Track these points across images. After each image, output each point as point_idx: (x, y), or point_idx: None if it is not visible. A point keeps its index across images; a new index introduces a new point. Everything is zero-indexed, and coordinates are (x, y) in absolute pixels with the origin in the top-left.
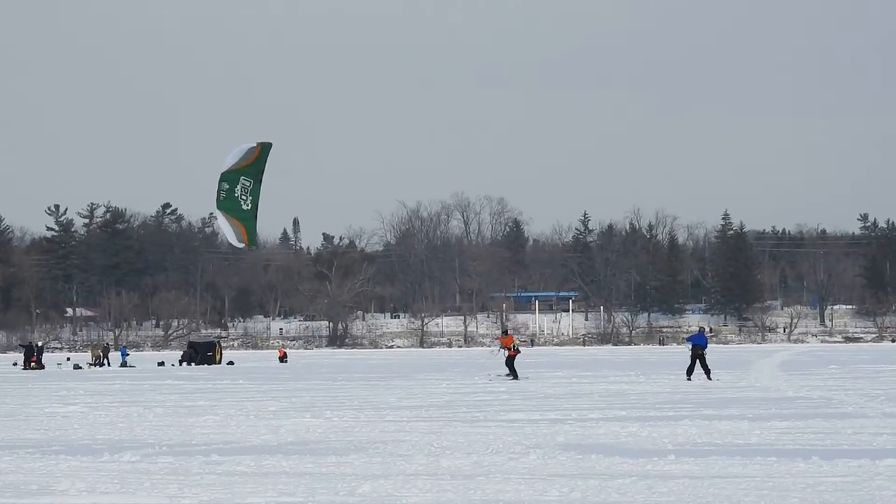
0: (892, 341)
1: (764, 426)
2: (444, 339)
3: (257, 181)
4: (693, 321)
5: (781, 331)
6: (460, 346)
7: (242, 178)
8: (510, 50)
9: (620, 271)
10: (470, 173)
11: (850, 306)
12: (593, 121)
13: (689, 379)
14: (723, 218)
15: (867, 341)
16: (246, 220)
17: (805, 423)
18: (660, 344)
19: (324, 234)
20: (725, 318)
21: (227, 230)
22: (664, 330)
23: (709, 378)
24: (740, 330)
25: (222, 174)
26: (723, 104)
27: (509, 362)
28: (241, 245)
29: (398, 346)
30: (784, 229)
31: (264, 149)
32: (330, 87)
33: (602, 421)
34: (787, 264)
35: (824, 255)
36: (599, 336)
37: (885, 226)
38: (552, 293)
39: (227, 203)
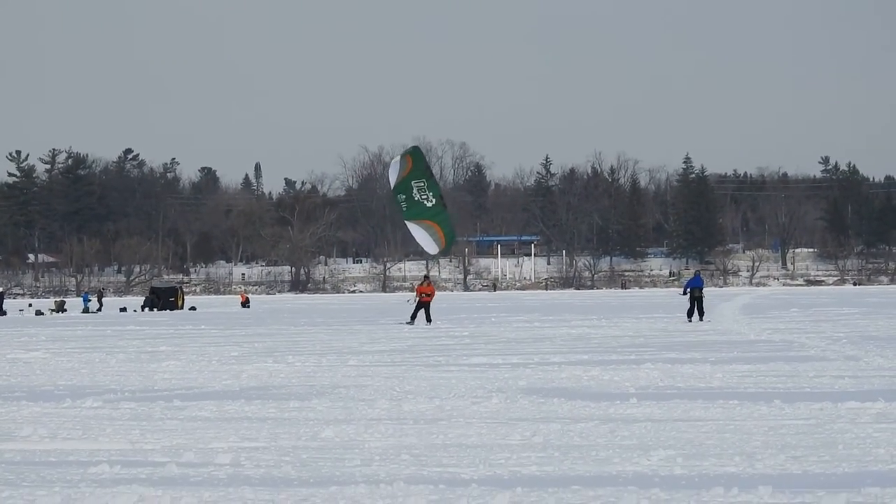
0: (854, 284)
1: (726, 369)
2: (406, 284)
3: (429, 177)
4: (655, 264)
5: (743, 274)
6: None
7: (413, 182)
8: None
9: (582, 215)
10: (432, 118)
11: (811, 249)
12: (554, 64)
13: (689, 321)
14: (684, 162)
15: (829, 284)
16: (436, 215)
17: (767, 366)
18: (622, 288)
19: (286, 179)
20: (687, 261)
21: (422, 240)
22: (626, 274)
23: (700, 319)
24: (703, 273)
25: (394, 190)
26: (685, 48)
27: (426, 308)
28: (438, 251)
29: (360, 291)
30: (745, 173)
31: (415, 152)
32: (292, 31)
33: (564, 365)
34: (749, 208)
35: (786, 199)
36: (562, 280)
37: (846, 168)
38: (514, 237)
39: (412, 211)
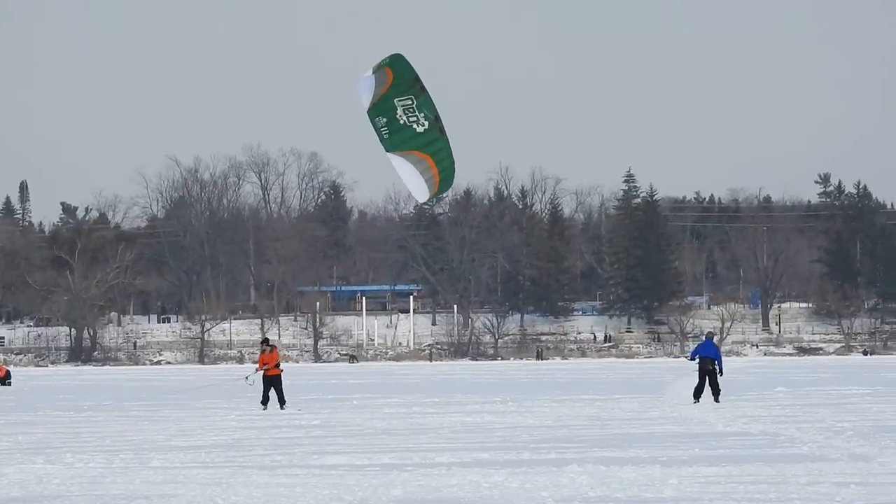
0: (864, 353)
1: (683, 474)
2: (232, 353)
3: (419, 92)
4: (583, 325)
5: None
6: (255, 362)
7: (397, 100)
8: None
9: (482, 256)
10: (269, 120)
11: (804, 304)
12: (447, 47)
13: (696, 401)
14: (625, 181)
15: (829, 353)
16: (429, 144)
17: (741, 468)
18: (537, 358)
19: (63, 203)
20: (629, 320)
21: (409, 180)
22: (543, 338)
23: (716, 400)
24: (651, 338)
25: (370, 113)
26: (621, 13)
27: (276, 385)
28: (430, 196)
29: (168, 362)
30: (712, 196)
31: (396, 62)
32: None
33: (456, 467)
34: (717, 245)
35: (769, 233)
36: (452, 347)
37: (853, 191)
38: (386, 287)
39: (395, 139)
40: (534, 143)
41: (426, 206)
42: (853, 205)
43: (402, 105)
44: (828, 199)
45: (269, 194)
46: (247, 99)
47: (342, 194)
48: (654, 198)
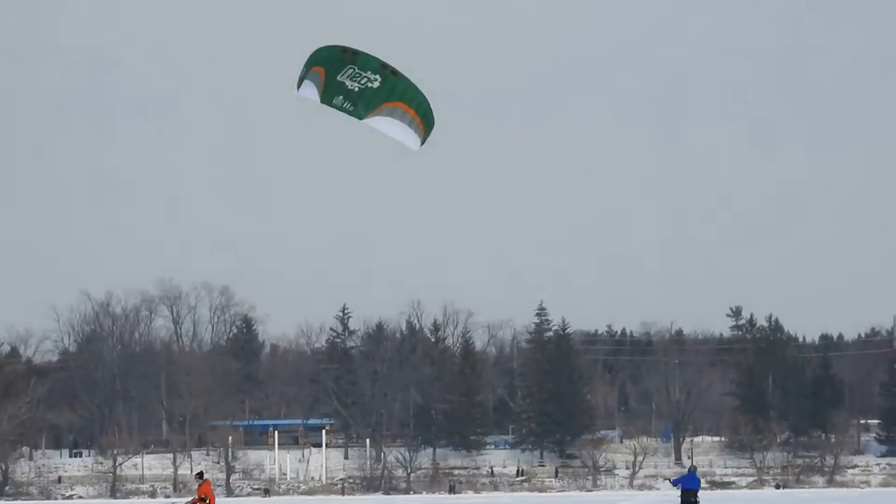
0: (776, 487)
1: None
2: (144, 487)
3: (352, 58)
4: (496, 459)
5: (621, 473)
6: (168, 496)
7: (338, 76)
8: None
9: (394, 390)
10: (179, 253)
11: (716, 438)
12: (355, 182)
13: None
14: (537, 314)
15: (741, 487)
16: (391, 90)
17: None
18: (450, 492)
19: None
20: (542, 454)
21: (396, 135)
22: (456, 472)
23: None
24: (563, 472)
25: (325, 101)
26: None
27: None
28: (422, 138)
29: (80, 496)
30: (625, 330)
31: (315, 56)
32: None
33: None
34: (629, 379)
35: (681, 366)
36: (365, 481)
37: (765, 324)
38: (298, 421)
39: (360, 106)
40: (446, 277)
41: (419, 151)
42: (765, 338)
43: (346, 76)
44: (739, 333)
45: (181, 328)
46: (158, 233)
47: (254, 328)
48: (567, 331)
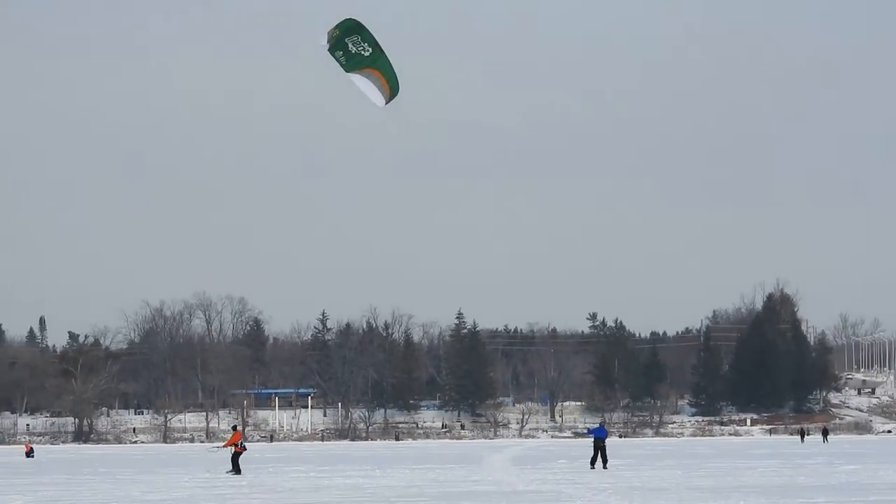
0: (619, 437)
1: None
2: (186, 435)
3: (360, 31)
4: (428, 416)
5: (513, 426)
6: (202, 441)
7: (346, 38)
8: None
9: (358, 369)
10: (212, 273)
11: (579, 403)
12: (327, 221)
13: (592, 468)
14: (457, 317)
15: None
16: (374, 61)
17: None
18: (396, 439)
19: (69, 332)
20: (459, 413)
21: (367, 90)
22: (400, 425)
23: (605, 467)
24: (473, 426)
25: (330, 51)
26: (452, 208)
27: (234, 458)
28: (387, 99)
29: (142, 442)
30: (516, 328)
31: (340, 26)
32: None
33: None
34: (520, 362)
35: (555, 353)
36: (337, 431)
37: (612, 325)
38: (292, 390)
39: (350, 63)
40: (394, 288)
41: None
42: (613, 334)
43: (350, 41)
44: (595, 331)
45: (211, 326)
46: (196, 257)
47: (262, 326)
48: (477, 329)
